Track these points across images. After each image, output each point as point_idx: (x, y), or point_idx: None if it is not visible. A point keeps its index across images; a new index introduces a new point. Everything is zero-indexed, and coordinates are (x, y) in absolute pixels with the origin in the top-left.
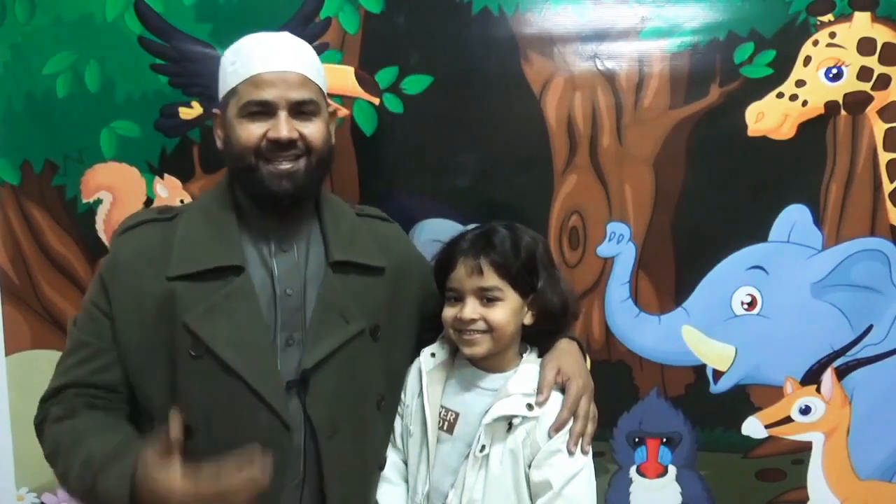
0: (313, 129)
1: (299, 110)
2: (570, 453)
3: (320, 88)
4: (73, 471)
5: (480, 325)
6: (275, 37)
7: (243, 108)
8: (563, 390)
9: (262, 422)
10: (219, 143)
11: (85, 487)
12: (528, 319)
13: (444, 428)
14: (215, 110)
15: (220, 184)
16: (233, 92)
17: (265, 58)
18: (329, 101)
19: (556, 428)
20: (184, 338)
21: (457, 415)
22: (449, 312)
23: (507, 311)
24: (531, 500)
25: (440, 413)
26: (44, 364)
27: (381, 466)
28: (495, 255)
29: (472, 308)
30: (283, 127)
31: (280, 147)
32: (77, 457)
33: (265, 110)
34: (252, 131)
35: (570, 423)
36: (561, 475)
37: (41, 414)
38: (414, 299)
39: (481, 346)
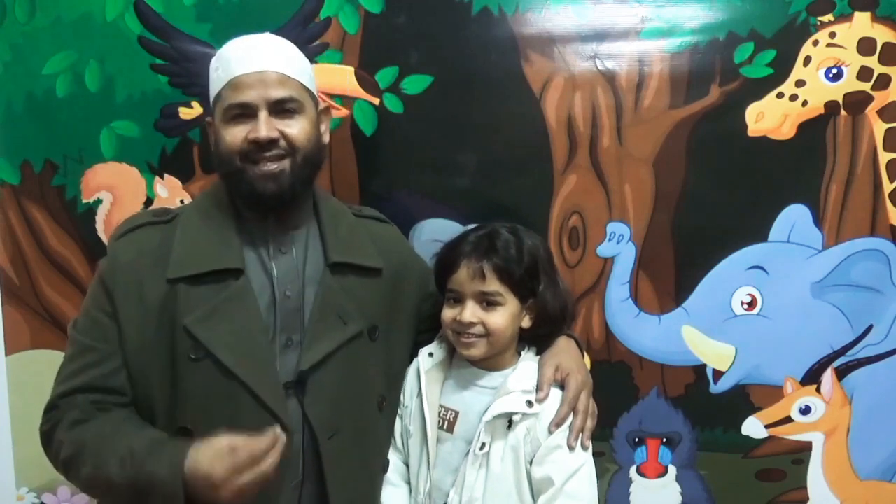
0: (297, 128)
1: (280, 108)
2: (571, 449)
3: (304, 87)
4: (110, 464)
5: (479, 329)
6: (253, 38)
7: (226, 113)
8: (562, 387)
9: (261, 424)
10: (212, 149)
11: (126, 478)
12: (525, 323)
13: (444, 427)
14: (207, 119)
15: (216, 185)
16: (217, 97)
17: (243, 60)
18: (324, 98)
19: (557, 423)
20: (184, 340)
21: (456, 414)
22: (448, 314)
23: (507, 315)
24: (532, 496)
25: (440, 412)
26: (44, 364)
27: (385, 467)
28: (498, 259)
29: (471, 311)
30: (262, 127)
31: (261, 148)
32: (115, 450)
33: (246, 112)
34: (235, 135)
35: (570, 418)
36: (562, 471)
37: (50, 421)
38: (412, 300)
39: (478, 349)
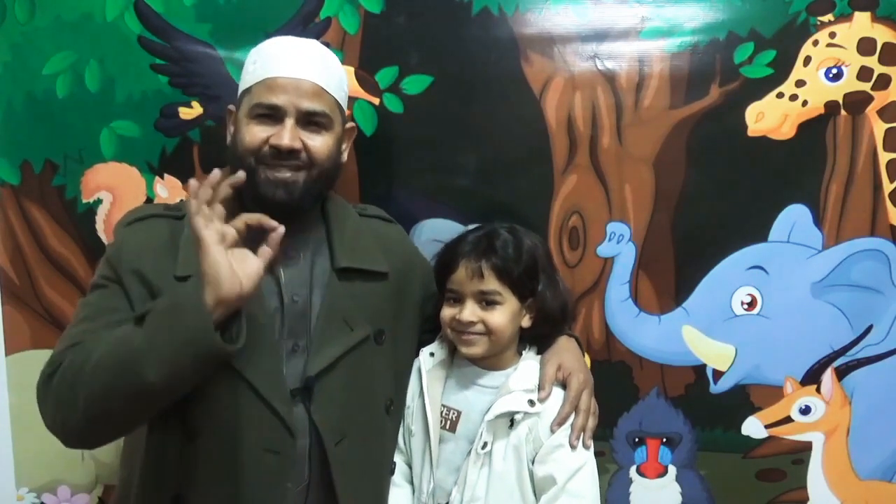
0: (320, 143)
1: (309, 120)
2: (573, 447)
3: (338, 103)
4: (125, 329)
5: (479, 328)
6: (299, 42)
7: (253, 109)
8: (563, 386)
9: (267, 427)
10: (228, 139)
11: (144, 327)
12: (525, 322)
13: (447, 427)
14: (230, 106)
15: None
16: (247, 91)
17: (284, 62)
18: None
19: (559, 423)
20: None
21: (458, 413)
22: (448, 313)
23: (506, 314)
24: (535, 495)
25: (442, 412)
26: (44, 364)
27: (392, 470)
28: (497, 259)
29: (471, 310)
30: (287, 135)
31: (280, 155)
32: (120, 328)
33: (273, 114)
34: (256, 134)
35: (572, 417)
36: (565, 470)
37: (52, 364)
38: (416, 301)
39: (479, 347)
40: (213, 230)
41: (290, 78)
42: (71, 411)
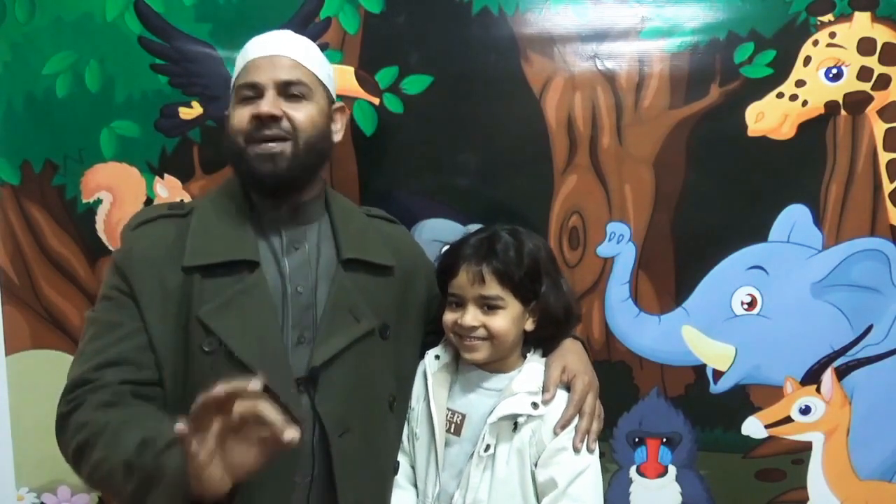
0: (302, 113)
1: (289, 92)
2: (576, 450)
3: (317, 77)
4: (128, 448)
5: (481, 333)
6: (274, 31)
7: (237, 94)
8: (568, 389)
9: None
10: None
11: (140, 465)
12: (529, 325)
13: (452, 430)
14: (226, 111)
15: (230, 179)
16: (233, 84)
17: (259, 47)
18: (333, 97)
19: (562, 425)
20: (197, 332)
21: (463, 416)
22: (450, 317)
23: (508, 319)
24: (537, 500)
25: (447, 415)
26: (44, 364)
27: (396, 468)
28: (498, 263)
29: (472, 315)
30: (265, 103)
31: (264, 125)
32: (136, 434)
33: (256, 94)
34: (242, 115)
35: (576, 420)
36: (566, 473)
37: (73, 402)
38: (420, 301)
39: (481, 352)
40: (204, 451)
41: (266, 56)
42: (78, 472)
